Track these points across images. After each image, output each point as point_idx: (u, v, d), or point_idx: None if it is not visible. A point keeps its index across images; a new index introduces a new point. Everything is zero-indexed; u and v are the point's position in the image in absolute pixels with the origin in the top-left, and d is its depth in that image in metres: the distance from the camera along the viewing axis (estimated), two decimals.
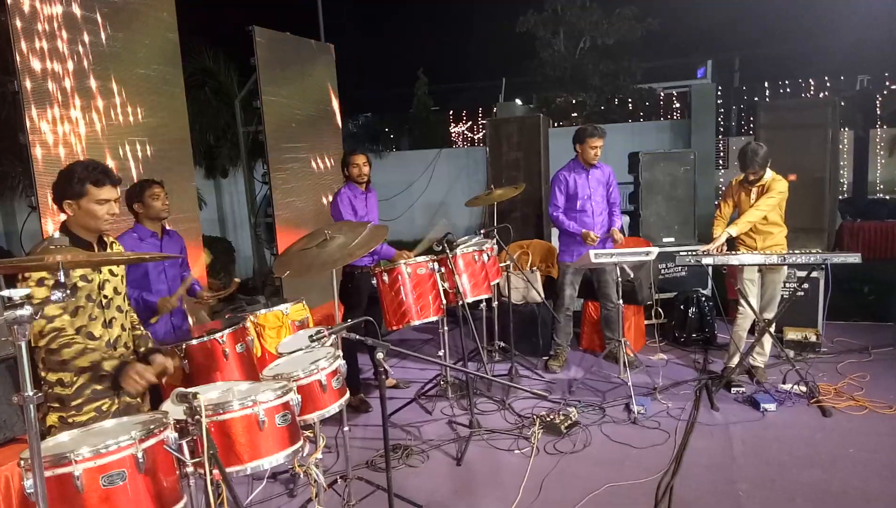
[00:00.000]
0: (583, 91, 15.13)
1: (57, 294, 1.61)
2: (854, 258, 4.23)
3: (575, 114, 15.35)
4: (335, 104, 7.32)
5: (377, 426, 4.38)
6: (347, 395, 2.97)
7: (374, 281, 4.25)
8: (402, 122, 17.25)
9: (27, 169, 3.95)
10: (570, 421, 4.13)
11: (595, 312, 5.60)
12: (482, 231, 5.29)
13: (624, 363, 4.68)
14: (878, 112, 12.37)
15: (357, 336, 2.64)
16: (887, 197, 11.15)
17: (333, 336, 2.84)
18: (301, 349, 3.13)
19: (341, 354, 3.00)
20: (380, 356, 2.57)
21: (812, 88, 14.19)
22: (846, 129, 10.84)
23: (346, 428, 3.39)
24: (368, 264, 4.61)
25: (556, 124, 13.96)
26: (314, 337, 2.76)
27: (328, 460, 3.84)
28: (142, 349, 2.61)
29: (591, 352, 5.65)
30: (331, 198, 5.57)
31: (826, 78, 13.68)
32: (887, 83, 12.35)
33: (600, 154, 5.12)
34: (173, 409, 2.24)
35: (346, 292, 4.67)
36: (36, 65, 3.93)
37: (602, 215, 5.21)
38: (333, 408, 2.83)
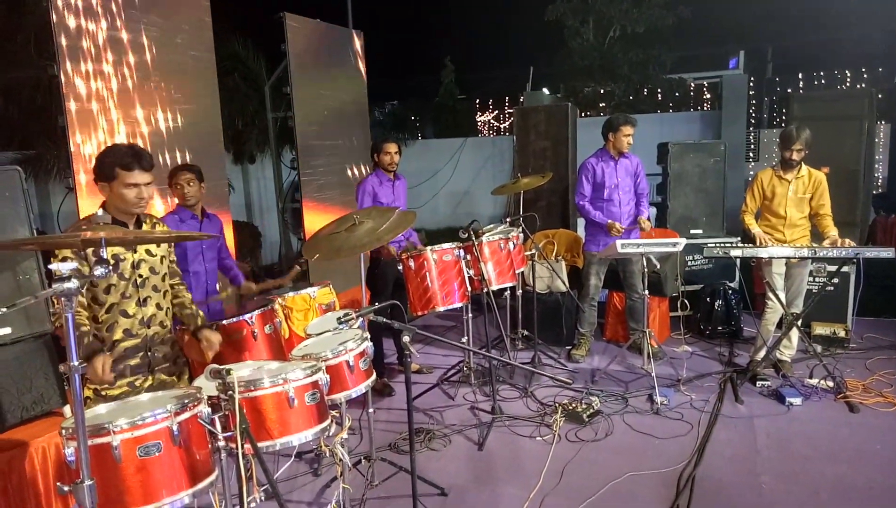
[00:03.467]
0: (611, 81, 14.98)
1: (100, 270, 1.67)
2: (887, 253, 4.16)
3: (603, 104, 15.20)
4: (363, 91, 7.35)
5: (400, 409, 4.44)
6: (374, 377, 3.01)
7: (400, 267, 4.29)
8: (428, 110, 17.24)
9: (64, 149, 4.05)
10: (592, 410, 4.14)
11: (620, 302, 5.59)
12: (508, 219, 5.29)
13: (648, 354, 4.66)
14: None
15: (384, 320, 2.68)
16: None
17: (360, 319, 2.89)
18: (329, 331, 3.18)
19: (368, 336, 3.04)
20: (406, 339, 2.61)
21: (848, 79, 13.86)
22: (882, 122, 10.57)
23: (370, 410, 3.46)
24: (396, 250, 4.64)
25: (583, 114, 13.86)
26: (342, 319, 2.81)
27: (352, 441, 3.90)
28: (191, 328, 2.68)
29: (614, 342, 5.64)
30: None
31: (863, 69, 13.35)
32: None
33: (632, 143, 5.09)
34: (206, 385, 2.30)
35: (372, 278, 4.72)
36: (71, 22, 4.01)
37: (629, 205, 5.17)
38: (360, 388, 2.87)
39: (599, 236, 5.17)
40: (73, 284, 1.51)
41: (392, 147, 4.70)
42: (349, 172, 7.06)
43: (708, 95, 15.33)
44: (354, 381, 2.85)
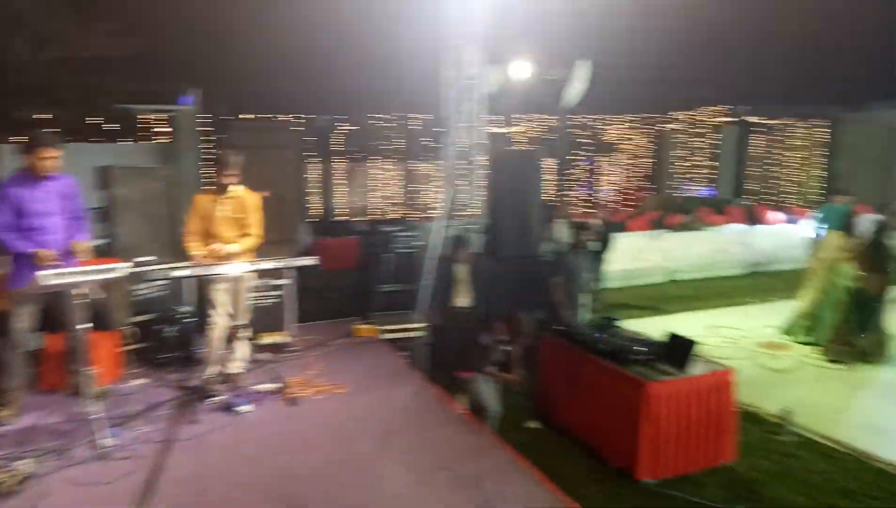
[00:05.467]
0: (54, 105, 13.50)
1: None
2: (312, 261, 4.97)
3: (45, 130, 13.50)
4: None
5: None
6: None
7: None
8: None
9: None
10: (20, 477, 3.47)
11: (58, 344, 4.87)
12: None
13: (91, 396, 4.18)
14: (342, 147, 14.87)
15: None
16: (345, 218, 13.76)
17: None
18: None
19: None
20: None
21: (284, 122, 16.11)
22: (310, 159, 12.66)
23: None
24: None
25: (18, 140, 11.98)
26: None
27: None
28: None
29: (54, 392, 4.88)
30: None
31: (296, 115, 15.63)
32: (340, 124, 14.98)
33: (57, 166, 4.50)
34: None
35: None
36: None
37: (63, 231, 4.58)
38: None
39: (26, 270, 4.40)
40: None
41: None
42: None
43: (165, 129, 15.38)
44: None
